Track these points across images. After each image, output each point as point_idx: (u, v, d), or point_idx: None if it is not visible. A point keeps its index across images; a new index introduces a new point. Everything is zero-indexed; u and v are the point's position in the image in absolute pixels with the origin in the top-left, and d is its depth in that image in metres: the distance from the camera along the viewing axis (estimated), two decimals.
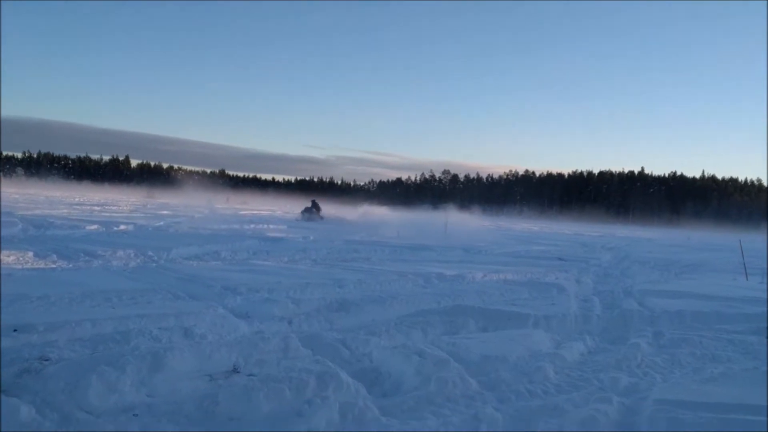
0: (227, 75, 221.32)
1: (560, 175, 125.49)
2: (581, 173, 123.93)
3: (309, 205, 35.49)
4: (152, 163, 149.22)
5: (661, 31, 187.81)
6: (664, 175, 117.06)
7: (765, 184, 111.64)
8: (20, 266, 8.93)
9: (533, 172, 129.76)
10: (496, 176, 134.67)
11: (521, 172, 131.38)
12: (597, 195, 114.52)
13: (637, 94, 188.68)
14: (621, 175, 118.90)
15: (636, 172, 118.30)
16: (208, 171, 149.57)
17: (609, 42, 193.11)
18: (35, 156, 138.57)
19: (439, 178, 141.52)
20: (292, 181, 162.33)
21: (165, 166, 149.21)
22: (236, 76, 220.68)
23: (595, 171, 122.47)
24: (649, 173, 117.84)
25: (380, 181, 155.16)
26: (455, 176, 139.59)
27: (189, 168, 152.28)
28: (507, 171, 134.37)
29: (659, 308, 8.34)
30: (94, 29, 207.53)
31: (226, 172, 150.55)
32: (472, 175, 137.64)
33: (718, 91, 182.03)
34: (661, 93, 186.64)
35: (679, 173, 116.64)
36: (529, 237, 29.30)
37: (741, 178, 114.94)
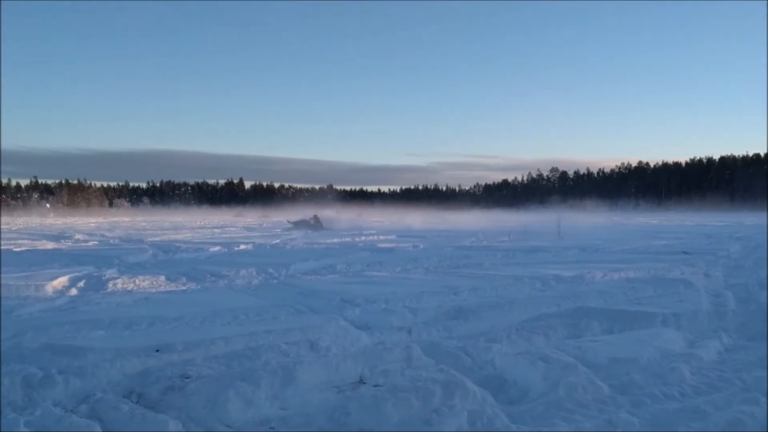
0: (328, 92, 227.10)
1: (677, 164, 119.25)
2: (700, 160, 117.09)
3: (310, 218, 35.02)
4: (264, 184, 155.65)
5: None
6: None
7: None
8: (154, 290, 9.55)
9: (647, 163, 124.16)
10: (607, 170, 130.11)
11: (634, 164, 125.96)
12: (719, 182, 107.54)
13: (753, 70, 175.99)
14: (745, 158, 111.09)
15: (762, 154, 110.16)
16: (317, 187, 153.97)
17: (720, 22, 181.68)
18: (158, 185, 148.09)
19: (547, 176, 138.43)
20: (397, 190, 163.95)
21: (276, 185, 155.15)
22: (335, 90, 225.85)
23: (716, 156, 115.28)
24: None
25: (486, 184, 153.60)
26: (564, 173, 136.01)
27: (298, 185, 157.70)
28: (618, 164, 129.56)
29: None
30: (195, 56, 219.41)
31: (334, 186, 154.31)
32: (582, 171, 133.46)
33: None
34: None
35: None
36: (648, 231, 27.97)
37: None
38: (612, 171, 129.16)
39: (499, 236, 24.46)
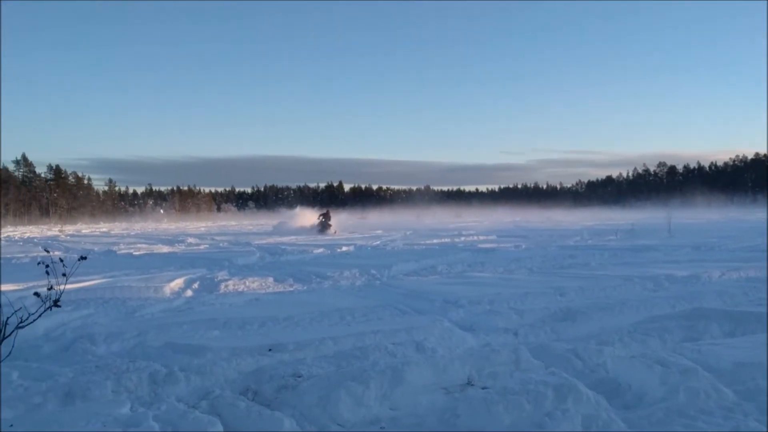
0: (424, 93, 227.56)
1: None
2: None
3: (322, 215, 33.03)
4: (363, 186, 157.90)
5: None
6: None
7: None
8: (263, 291, 9.90)
9: (765, 155, 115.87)
10: (720, 163, 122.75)
11: (750, 155, 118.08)
12: None
13: None
14: None
15: None
16: (414, 188, 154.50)
17: None
18: (262, 189, 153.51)
19: (654, 171, 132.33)
20: (495, 189, 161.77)
21: (374, 187, 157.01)
22: (432, 92, 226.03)
23: None
24: None
25: (588, 181, 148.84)
26: (672, 168, 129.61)
27: (396, 187, 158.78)
28: (733, 156, 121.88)
29: None
30: (292, 66, 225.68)
31: (431, 187, 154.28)
32: (692, 165, 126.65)
33: None
34: None
35: None
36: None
37: None
38: (725, 164, 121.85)
39: (605, 235, 23.65)
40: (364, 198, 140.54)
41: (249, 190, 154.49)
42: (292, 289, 10.16)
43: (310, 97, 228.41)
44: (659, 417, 3.79)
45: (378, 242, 21.95)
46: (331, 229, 31.46)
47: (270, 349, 5.45)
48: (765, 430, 3.42)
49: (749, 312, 6.77)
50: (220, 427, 3.73)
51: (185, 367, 5.01)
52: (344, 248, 19.04)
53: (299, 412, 4.09)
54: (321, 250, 18.33)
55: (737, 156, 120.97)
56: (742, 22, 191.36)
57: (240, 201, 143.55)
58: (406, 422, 3.93)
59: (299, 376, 4.65)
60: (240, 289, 10.02)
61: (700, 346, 5.25)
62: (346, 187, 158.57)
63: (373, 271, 11.87)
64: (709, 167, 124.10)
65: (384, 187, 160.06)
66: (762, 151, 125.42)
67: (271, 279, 11.16)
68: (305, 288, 10.18)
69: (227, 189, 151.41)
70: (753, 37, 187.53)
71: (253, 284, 10.56)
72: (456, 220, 53.81)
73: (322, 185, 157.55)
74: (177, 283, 10.46)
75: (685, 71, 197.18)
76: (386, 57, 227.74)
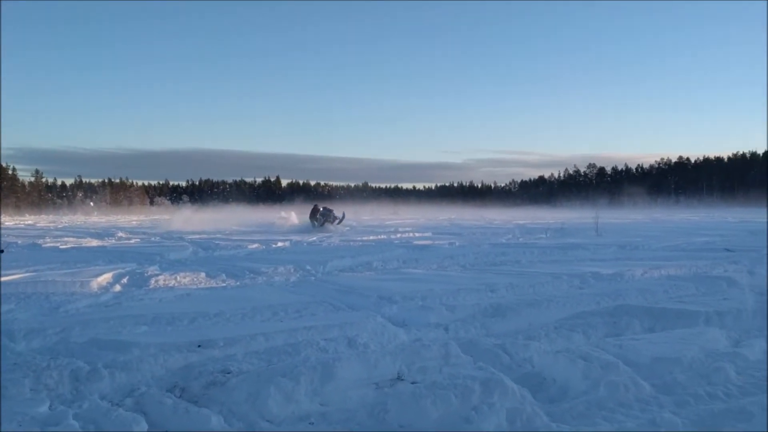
0: (362, 89, 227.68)
1: (719, 159, 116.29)
2: (743, 155, 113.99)
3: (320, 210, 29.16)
4: (300, 182, 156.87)
5: None
6: None
7: None
8: (195, 286, 9.72)
9: (687, 159, 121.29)
10: (646, 166, 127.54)
11: (674, 159, 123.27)
12: (764, 177, 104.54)
13: None
14: None
15: None
16: (352, 185, 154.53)
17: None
18: (197, 183, 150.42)
19: (584, 172, 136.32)
20: (433, 188, 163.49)
21: (312, 183, 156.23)
22: (370, 89, 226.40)
23: (760, 151, 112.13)
24: None
25: (521, 181, 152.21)
26: (601, 169, 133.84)
27: (334, 183, 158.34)
28: (658, 159, 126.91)
29: None
30: (235, 59, 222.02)
31: (369, 184, 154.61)
32: (620, 167, 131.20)
33: None
34: None
35: None
36: (689, 228, 27.39)
37: None
38: (651, 167, 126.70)
39: (535, 233, 24.25)
40: (302, 194, 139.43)
41: (183, 183, 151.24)
42: (224, 284, 10.00)
43: (247, 91, 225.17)
44: (581, 410, 3.93)
45: (314, 238, 21.84)
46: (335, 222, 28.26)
47: (199, 346, 5.35)
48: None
49: (668, 309, 7.07)
50: (145, 425, 3.64)
51: (110, 363, 4.86)
52: (280, 244, 18.87)
53: (227, 408, 4.03)
54: (256, 245, 18.11)
55: (662, 159, 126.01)
56: (666, 30, 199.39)
57: (174, 195, 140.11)
58: (335, 417, 3.94)
59: (228, 373, 4.59)
60: (171, 285, 9.79)
61: (622, 342, 5.46)
62: (284, 183, 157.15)
63: (308, 267, 11.81)
64: (636, 169, 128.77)
65: (322, 183, 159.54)
66: (685, 154, 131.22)
67: (203, 274, 10.96)
68: (238, 284, 10.05)
69: (161, 182, 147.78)
70: (677, 43, 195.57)
71: (184, 279, 10.35)
72: (393, 217, 54.09)
73: (259, 180, 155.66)
74: (105, 278, 10.14)
75: (614, 75, 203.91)
76: (324, 53, 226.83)
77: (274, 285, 9.80)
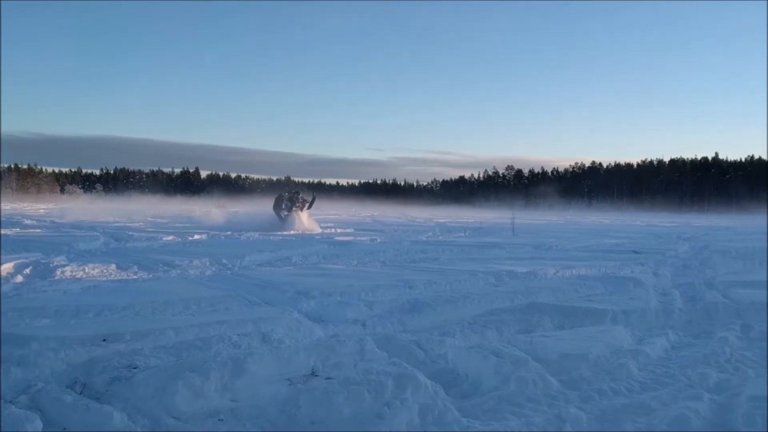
0: (287, 83, 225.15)
1: (629, 165, 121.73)
2: (651, 162, 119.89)
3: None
4: (221, 174, 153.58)
5: (731, 8, 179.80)
6: (741, 159, 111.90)
7: None
8: (104, 278, 9.31)
9: (600, 164, 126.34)
10: (561, 169, 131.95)
11: (588, 164, 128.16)
12: (669, 184, 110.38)
13: (707, 76, 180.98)
14: (694, 162, 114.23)
15: (710, 158, 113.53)
16: (274, 178, 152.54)
17: (677, 24, 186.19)
18: (112, 172, 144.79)
19: (503, 174, 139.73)
20: (356, 184, 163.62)
21: (233, 175, 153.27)
22: (296, 83, 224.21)
23: (666, 159, 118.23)
24: (725, 158, 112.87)
25: (443, 180, 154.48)
26: (519, 171, 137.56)
27: (256, 176, 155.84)
28: (573, 164, 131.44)
29: (746, 299, 7.96)
30: (156, 46, 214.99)
31: (292, 178, 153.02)
32: (537, 170, 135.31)
33: None
34: (732, 74, 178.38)
35: (757, 157, 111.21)
36: (600, 230, 28.53)
37: None
38: (566, 170, 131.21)
39: (455, 232, 24.66)
40: (222, 186, 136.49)
41: (97, 172, 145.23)
42: (136, 277, 9.63)
43: (166, 79, 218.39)
44: (491, 405, 3.99)
45: (230, 231, 21.39)
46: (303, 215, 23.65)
47: (104, 339, 5.11)
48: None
49: (578, 307, 7.31)
50: (39, 423, 3.43)
51: (5, 358, 4.56)
52: (197, 236, 18.38)
53: (132, 404, 3.86)
54: (171, 237, 17.57)
55: (576, 163, 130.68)
56: (579, 36, 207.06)
57: (87, 183, 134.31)
58: (246, 413, 3.85)
59: (135, 368, 4.40)
60: (78, 276, 9.34)
61: (532, 338, 5.60)
62: (203, 174, 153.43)
63: (224, 261, 11.55)
64: (551, 173, 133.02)
65: (243, 175, 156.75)
66: (597, 159, 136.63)
67: (113, 266, 10.51)
68: (150, 276, 9.70)
69: (73, 170, 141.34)
70: (591, 49, 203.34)
71: (93, 271, 9.90)
72: (315, 212, 53.70)
73: (178, 171, 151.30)
74: (5, 268, 9.54)
75: (532, 80, 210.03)
76: (246, 43, 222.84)
77: (189, 278, 9.52)
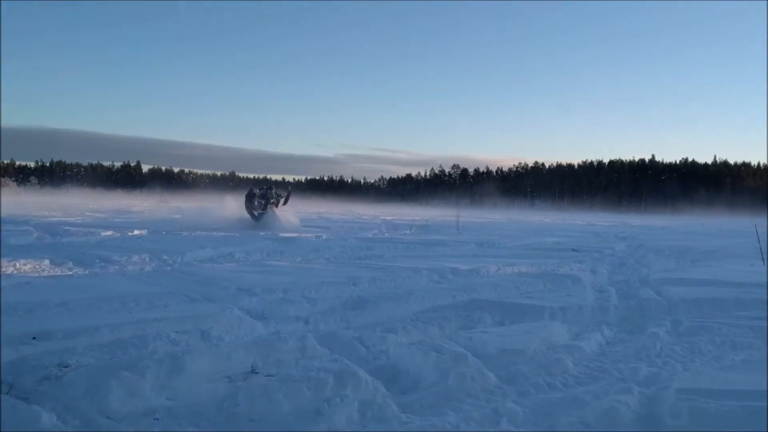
0: (232, 77, 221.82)
1: (570, 166, 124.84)
2: (591, 163, 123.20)
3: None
4: (163, 168, 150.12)
5: (667, 15, 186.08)
6: (676, 162, 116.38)
7: None
8: (37, 274, 9.00)
9: (543, 164, 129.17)
10: (505, 169, 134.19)
11: (531, 164, 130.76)
12: (608, 184, 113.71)
13: (645, 81, 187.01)
14: (632, 163, 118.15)
15: (647, 160, 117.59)
16: (219, 173, 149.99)
17: (613, 29, 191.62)
18: (48, 165, 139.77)
19: (449, 172, 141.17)
20: (303, 180, 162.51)
21: (176, 170, 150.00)
22: (241, 77, 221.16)
23: (606, 160, 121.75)
24: (660, 161, 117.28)
25: (390, 178, 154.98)
26: (465, 170, 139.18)
27: (200, 171, 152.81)
28: (517, 163, 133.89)
29: (677, 296, 8.26)
30: (99, 36, 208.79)
31: (237, 174, 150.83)
32: (482, 169, 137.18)
33: (727, 74, 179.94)
34: (668, 79, 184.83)
35: (690, 160, 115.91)
36: (541, 229, 29.16)
37: (754, 162, 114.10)
38: (510, 170, 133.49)
39: (401, 229, 24.79)
40: (165, 180, 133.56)
41: (32, 164, 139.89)
42: (71, 273, 9.34)
43: (106, 68, 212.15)
44: (430, 400, 4.03)
45: (173, 227, 20.96)
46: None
47: (34, 338, 4.94)
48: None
49: (518, 303, 7.45)
50: None
51: None
52: (137, 232, 17.95)
53: (62, 404, 3.74)
54: (110, 232, 17.11)
55: (519, 163, 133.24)
56: (522, 38, 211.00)
57: (21, 176, 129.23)
58: (183, 412, 3.77)
59: (66, 366, 4.27)
60: (9, 272, 8.99)
61: (472, 334, 5.68)
62: (145, 168, 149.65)
63: (165, 257, 11.31)
64: (496, 172, 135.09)
65: (186, 170, 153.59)
66: (540, 159, 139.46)
67: (47, 261, 10.16)
68: (87, 272, 9.42)
69: (5, 162, 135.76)
70: (539, 52, 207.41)
71: (24, 267, 9.55)
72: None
73: (118, 164, 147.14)
74: None
75: (478, 80, 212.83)
76: (197, 36, 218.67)
77: (127, 275, 9.28)
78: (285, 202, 22.90)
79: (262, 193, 22.20)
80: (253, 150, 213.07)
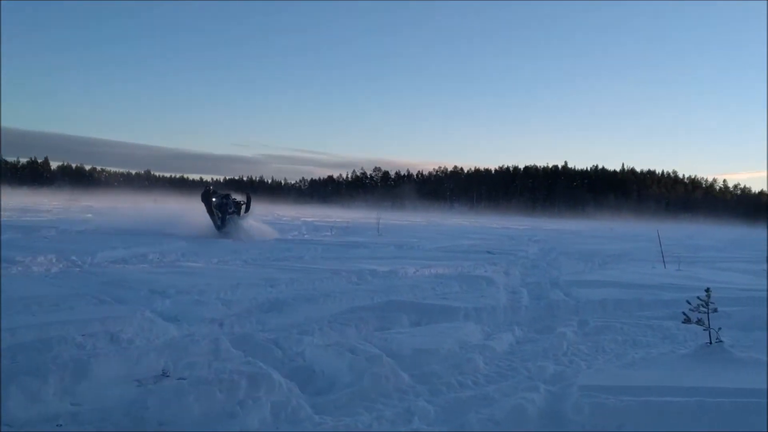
0: (148, 72, 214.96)
1: (488, 171, 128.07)
2: (508, 168, 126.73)
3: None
4: (74, 165, 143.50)
5: (576, 22, 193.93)
6: (587, 168, 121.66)
7: (680, 175, 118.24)
8: None
9: (462, 168, 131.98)
10: (426, 173, 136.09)
11: (450, 168, 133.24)
12: (523, 189, 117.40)
13: (559, 88, 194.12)
14: (546, 169, 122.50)
15: (560, 166, 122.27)
16: (133, 172, 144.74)
17: (529, 36, 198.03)
18: None
19: (371, 175, 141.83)
20: (221, 180, 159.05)
21: (88, 168, 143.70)
22: (157, 73, 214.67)
23: (521, 166, 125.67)
24: (573, 167, 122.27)
25: (311, 179, 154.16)
26: (386, 173, 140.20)
27: (113, 169, 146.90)
28: (437, 167, 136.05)
29: (584, 298, 8.65)
30: (6, 26, 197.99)
31: (152, 173, 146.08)
32: (403, 172, 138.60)
33: (634, 84, 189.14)
34: (581, 87, 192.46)
35: (600, 167, 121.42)
36: (459, 232, 29.77)
37: (659, 171, 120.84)
38: (430, 174, 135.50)
39: (321, 231, 24.74)
40: (75, 179, 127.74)
41: None
42: None
43: (9, 57, 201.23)
44: (344, 401, 4.07)
45: (86, 226, 20.12)
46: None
47: None
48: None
49: (434, 304, 7.60)
50: None
51: None
52: (44, 231, 17.11)
53: None
54: (14, 232, 16.22)
55: (439, 167, 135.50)
56: (438, 42, 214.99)
57: None
58: (88, 417, 3.65)
59: None
60: None
61: (388, 335, 5.76)
62: (53, 166, 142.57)
63: (73, 257, 10.85)
64: (417, 175, 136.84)
65: (99, 168, 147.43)
66: (459, 164, 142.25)
67: None
68: None
69: None
70: (459, 56, 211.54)
71: None
72: (177, 208, 51.72)
73: (24, 161, 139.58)
74: None
75: (400, 84, 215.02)
76: (113, 28, 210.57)
77: (32, 276, 8.86)
78: (247, 209, 19.84)
79: (218, 203, 19.10)
80: (170, 148, 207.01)
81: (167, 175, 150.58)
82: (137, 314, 6.14)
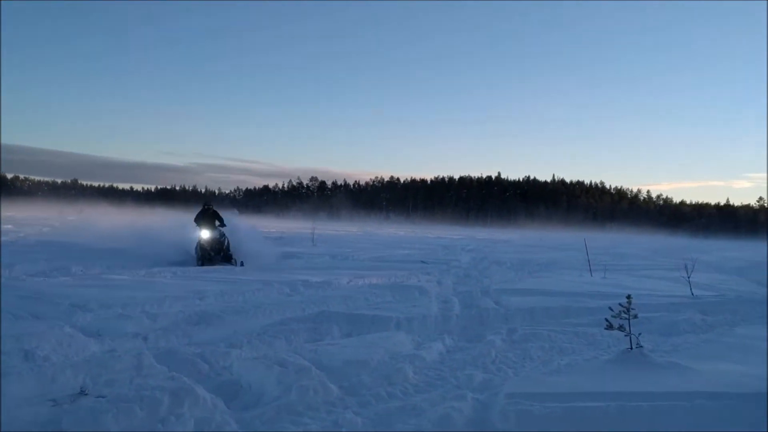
0: (72, 77, 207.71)
1: (423, 181, 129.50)
2: (443, 179, 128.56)
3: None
4: None
5: (503, 32, 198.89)
6: (519, 179, 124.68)
7: (607, 186, 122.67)
8: None
9: (398, 178, 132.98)
10: (362, 183, 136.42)
11: (387, 178, 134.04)
12: (458, 199, 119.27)
13: (494, 100, 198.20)
14: (479, 179, 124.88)
15: (493, 177, 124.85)
16: (59, 181, 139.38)
17: (463, 49, 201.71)
18: None
19: (307, 185, 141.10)
20: (152, 190, 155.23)
21: (9, 176, 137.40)
22: (82, 78, 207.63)
23: (456, 176, 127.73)
24: (505, 178, 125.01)
25: (246, 189, 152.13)
26: (323, 183, 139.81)
27: (36, 178, 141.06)
28: (373, 177, 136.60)
29: (513, 306, 8.81)
30: None
31: (80, 182, 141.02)
32: (340, 182, 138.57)
33: (566, 97, 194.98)
34: (514, 99, 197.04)
35: (532, 177, 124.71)
36: (394, 242, 29.91)
37: (587, 181, 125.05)
38: (367, 184, 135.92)
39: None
40: None
41: None
42: None
43: None
44: (271, 415, 3.99)
45: (4, 238, 19.20)
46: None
47: None
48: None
49: (365, 315, 7.59)
50: None
51: None
52: None
53: None
54: None
55: (376, 177, 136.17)
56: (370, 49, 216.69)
57: None
58: None
59: None
60: None
61: (318, 347, 5.71)
62: None
63: None
64: (353, 185, 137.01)
65: (21, 176, 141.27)
66: (395, 174, 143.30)
67: None
68: None
69: None
70: (396, 67, 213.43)
71: None
72: (104, 219, 50.05)
73: None
74: None
75: (335, 92, 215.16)
76: (36, 32, 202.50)
77: None
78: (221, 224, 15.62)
79: (210, 240, 14.65)
80: (98, 156, 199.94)
81: (95, 184, 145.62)
82: (55, 330, 5.87)
